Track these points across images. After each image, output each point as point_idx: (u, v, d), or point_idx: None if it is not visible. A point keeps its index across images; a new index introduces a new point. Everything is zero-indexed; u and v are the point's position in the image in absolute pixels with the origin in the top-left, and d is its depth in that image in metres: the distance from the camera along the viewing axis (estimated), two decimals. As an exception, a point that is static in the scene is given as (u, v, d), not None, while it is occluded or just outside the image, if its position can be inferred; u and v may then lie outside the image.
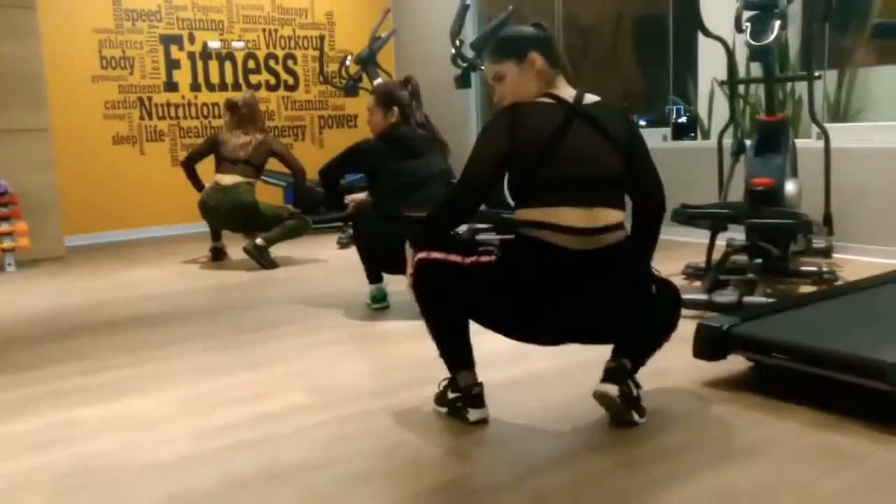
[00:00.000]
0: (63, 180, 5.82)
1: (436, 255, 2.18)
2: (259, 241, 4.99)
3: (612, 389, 2.14)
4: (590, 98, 2.21)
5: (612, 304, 2.14)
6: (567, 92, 2.23)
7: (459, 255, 2.18)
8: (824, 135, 4.01)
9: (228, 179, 5.10)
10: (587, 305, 2.12)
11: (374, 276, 3.79)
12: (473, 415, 2.25)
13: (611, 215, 2.11)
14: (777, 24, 3.57)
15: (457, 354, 2.26)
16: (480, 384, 2.26)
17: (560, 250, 2.07)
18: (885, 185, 4.41)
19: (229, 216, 5.12)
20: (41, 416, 2.48)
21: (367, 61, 6.23)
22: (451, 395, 2.30)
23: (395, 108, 3.70)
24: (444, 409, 2.33)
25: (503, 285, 2.13)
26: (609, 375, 2.17)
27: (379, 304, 3.77)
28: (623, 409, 2.16)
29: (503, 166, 2.17)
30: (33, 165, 5.56)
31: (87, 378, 2.88)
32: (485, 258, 2.16)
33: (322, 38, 7.24)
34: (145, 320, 3.80)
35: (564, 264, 2.07)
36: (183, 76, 6.94)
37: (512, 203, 2.20)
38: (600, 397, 2.17)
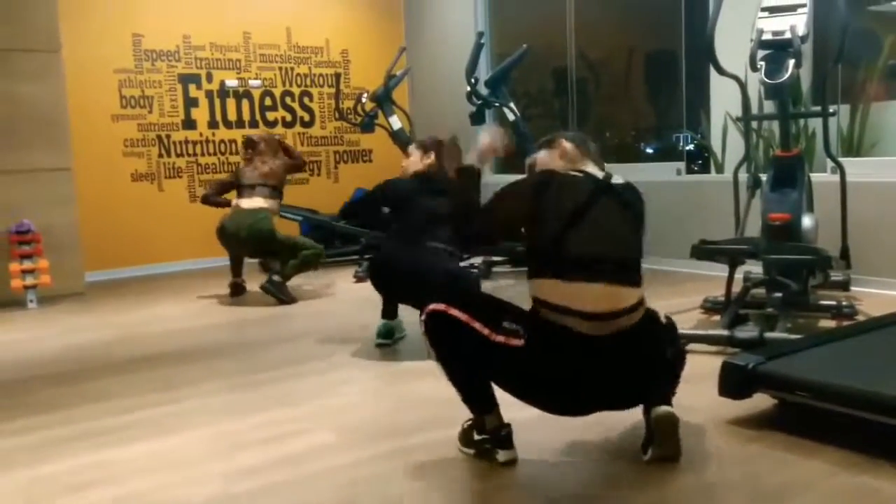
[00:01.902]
0: (83, 217, 5.89)
1: (458, 314, 2.15)
2: (276, 277, 5.04)
3: (669, 409, 2.17)
4: (617, 179, 2.29)
5: (633, 380, 2.18)
6: (595, 171, 2.31)
7: (484, 323, 2.14)
8: (840, 169, 4.04)
9: (248, 204, 5.18)
10: (610, 385, 2.16)
11: (386, 311, 3.84)
12: (503, 456, 2.26)
13: (633, 295, 2.15)
14: (791, 62, 3.61)
15: (479, 399, 2.27)
16: (508, 425, 2.27)
17: (585, 338, 2.09)
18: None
19: (247, 241, 5.13)
20: (72, 458, 2.51)
21: (383, 98, 6.32)
22: (477, 437, 2.32)
23: (433, 154, 3.88)
24: (470, 451, 2.34)
25: (528, 371, 2.14)
26: (657, 403, 2.19)
27: (382, 340, 3.80)
28: (676, 432, 2.18)
29: (520, 225, 2.25)
30: (56, 203, 5.64)
31: (114, 418, 2.91)
32: (514, 341, 2.11)
33: (338, 75, 7.34)
34: (168, 358, 3.83)
35: (588, 352, 2.09)
36: (201, 114, 7.05)
37: (528, 269, 2.23)
38: (663, 418, 2.16)
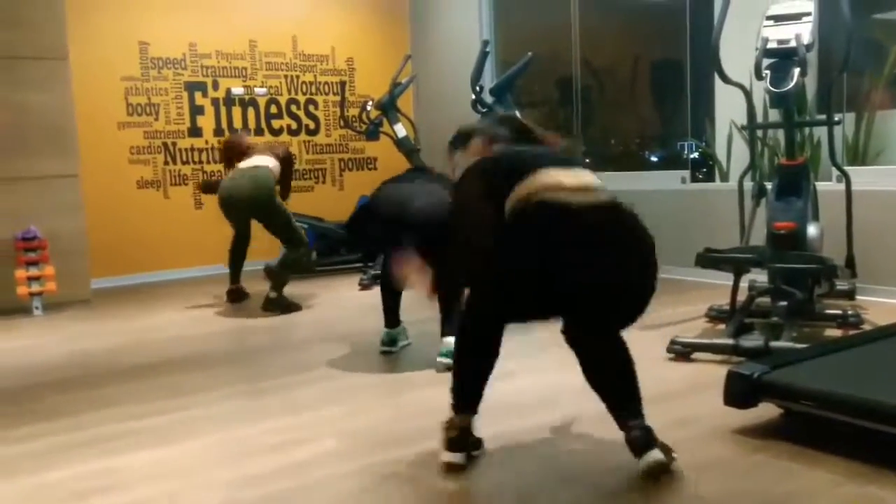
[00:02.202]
0: (89, 224, 5.92)
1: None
2: (271, 294, 5.02)
3: (657, 454, 2.11)
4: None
5: (632, 257, 2.14)
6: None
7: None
8: (845, 178, 4.03)
9: (247, 163, 5.15)
10: (606, 256, 2.10)
11: (388, 320, 3.83)
12: (447, 456, 2.26)
13: (594, 179, 2.22)
14: (797, 71, 3.62)
15: (469, 393, 2.29)
16: (478, 438, 2.29)
17: (562, 205, 2.09)
18: (908, 227, 4.42)
19: (248, 203, 5.06)
20: (78, 465, 2.51)
21: (388, 106, 6.33)
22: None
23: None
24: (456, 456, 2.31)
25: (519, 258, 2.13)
26: (642, 444, 2.13)
27: (385, 348, 3.81)
28: (670, 463, 2.15)
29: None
30: (63, 210, 5.66)
31: (119, 425, 2.91)
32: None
33: (343, 83, 7.37)
34: (173, 365, 3.84)
35: (572, 218, 2.09)
36: (206, 122, 7.07)
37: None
38: (652, 468, 2.10)
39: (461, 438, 2.27)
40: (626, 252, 2.13)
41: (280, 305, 5.01)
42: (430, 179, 3.69)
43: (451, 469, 2.25)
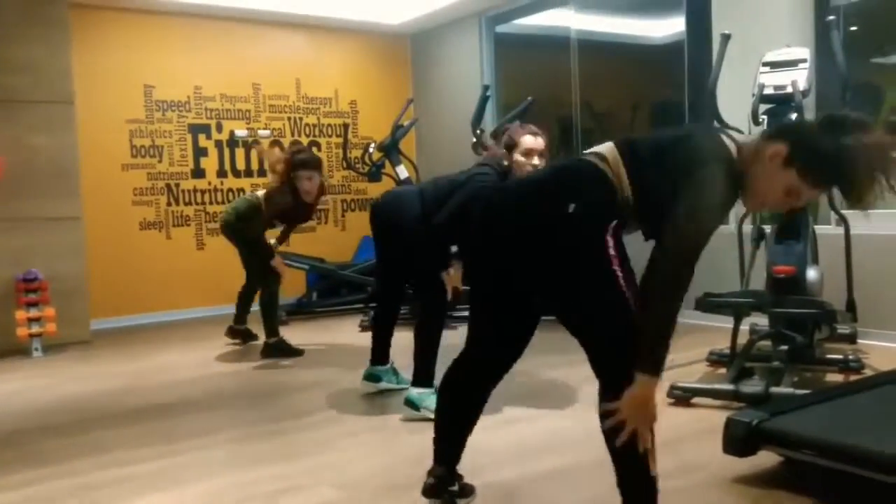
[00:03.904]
0: (91, 265, 5.93)
1: None
2: (268, 339, 4.98)
3: None
4: None
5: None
6: None
7: None
8: (844, 222, 4.04)
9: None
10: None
11: (376, 355, 3.83)
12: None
13: None
14: (793, 116, 3.65)
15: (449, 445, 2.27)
16: (445, 479, 2.25)
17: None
18: (908, 270, 4.42)
19: (221, 227, 5.18)
20: (70, 512, 2.49)
21: (390, 148, 6.39)
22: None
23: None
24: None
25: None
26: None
27: (366, 383, 3.83)
28: None
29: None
30: (65, 252, 5.69)
31: (114, 471, 2.89)
32: None
33: (346, 125, 7.43)
34: (170, 409, 3.82)
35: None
36: (210, 163, 7.13)
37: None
38: None
39: (437, 486, 2.25)
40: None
41: (278, 350, 4.98)
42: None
43: None
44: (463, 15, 7.34)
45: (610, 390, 1.82)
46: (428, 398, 3.33)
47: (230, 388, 4.28)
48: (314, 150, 7.62)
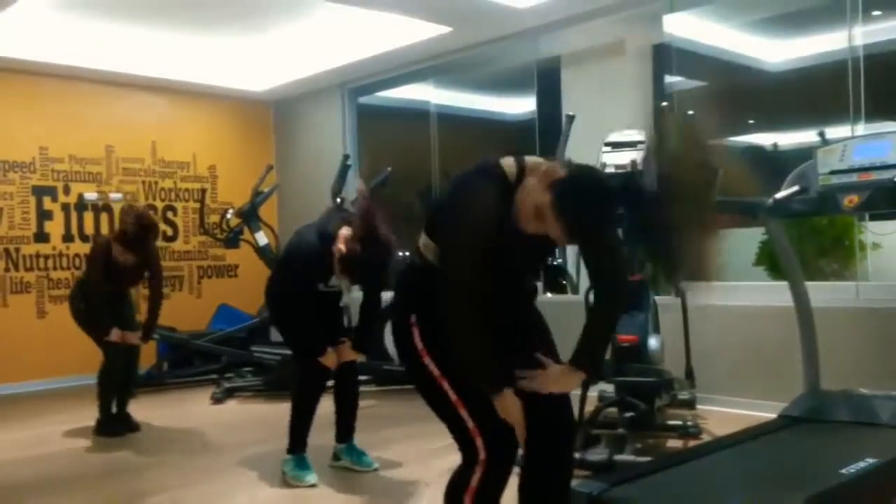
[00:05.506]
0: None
1: None
2: (99, 416, 4.68)
3: None
4: None
5: None
6: None
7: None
8: (681, 294, 4.28)
9: None
10: None
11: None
12: None
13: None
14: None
15: None
16: None
17: None
18: (741, 340, 4.72)
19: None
20: None
21: (249, 215, 6.28)
22: None
23: None
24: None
25: None
26: None
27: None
28: None
29: None
30: None
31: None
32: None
33: (203, 190, 7.27)
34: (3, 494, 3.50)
35: None
36: (55, 227, 6.75)
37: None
38: None
39: None
40: None
41: (106, 428, 4.63)
42: None
43: None
44: (326, 85, 7.41)
45: (464, 458, 2.01)
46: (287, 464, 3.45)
47: (67, 469, 3.97)
48: (170, 215, 7.40)
